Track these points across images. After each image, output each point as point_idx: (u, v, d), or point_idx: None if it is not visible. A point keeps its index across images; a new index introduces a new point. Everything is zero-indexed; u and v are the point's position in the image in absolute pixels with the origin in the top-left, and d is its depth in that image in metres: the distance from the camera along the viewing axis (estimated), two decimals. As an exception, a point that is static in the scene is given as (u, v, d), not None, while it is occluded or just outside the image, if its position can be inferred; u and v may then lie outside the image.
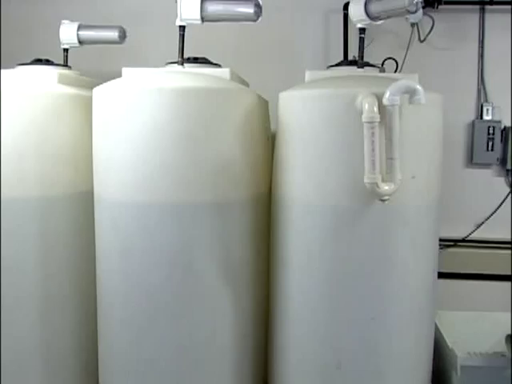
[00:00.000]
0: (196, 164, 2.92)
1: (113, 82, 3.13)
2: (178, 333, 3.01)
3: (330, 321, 2.93)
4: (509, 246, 4.37)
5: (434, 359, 3.63)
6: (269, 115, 3.42)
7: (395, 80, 2.76)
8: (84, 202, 3.26)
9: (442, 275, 4.17)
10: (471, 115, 4.40)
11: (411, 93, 2.71)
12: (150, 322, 3.02)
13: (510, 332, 3.46)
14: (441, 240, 4.20)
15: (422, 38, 4.25)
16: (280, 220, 3.07)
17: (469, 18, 4.36)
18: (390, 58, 3.68)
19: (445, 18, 4.29)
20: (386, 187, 2.69)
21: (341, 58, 3.96)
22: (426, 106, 2.81)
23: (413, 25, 4.21)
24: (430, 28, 4.22)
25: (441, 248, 4.25)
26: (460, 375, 3.26)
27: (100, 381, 3.28)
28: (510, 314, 3.89)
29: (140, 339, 3.05)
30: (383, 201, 2.71)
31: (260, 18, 3.28)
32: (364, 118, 2.68)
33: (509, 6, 4.27)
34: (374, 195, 2.72)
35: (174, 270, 2.96)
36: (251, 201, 3.13)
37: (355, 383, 2.95)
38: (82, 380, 3.43)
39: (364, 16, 3.17)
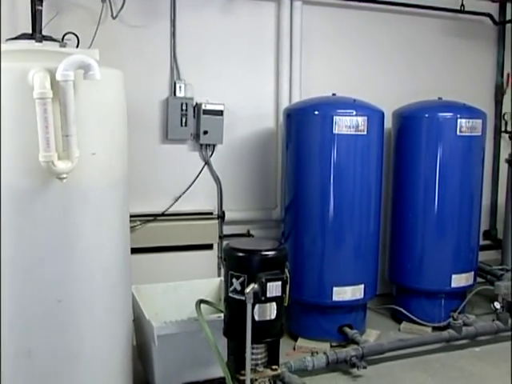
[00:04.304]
0: None
1: None
2: None
3: (16, 308, 2.77)
4: (206, 216, 4.63)
5: (137, 334, 3.72)
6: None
7: (72, 55, 2.68)
8: None
9: (143, 250, 4.29)
10: (165, 92, 4.52)
11: (86, 68, 2.66)
12: None
13: (204, 298, 3.66)
14: (140, 216, 4.34)
15: (114, 15, 4.22)
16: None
17: (160, -4, 4.46)
18: (70, 33, 3.57)
19: (136, -5, 4.33)
20: (62, 165, 2.61)
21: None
22: (105, 82, 2.80)
23: (103, 1, 4.17)
24: (121, 5, 4.20)
25: (140, 223, 4.37)
26: (158, 344, 3.35)
27: None
28: (205, 281, 4.14)
29: None
30: (61, 179, 2.63)
31: None
32: (35, 94, 2.55)
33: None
34: (51, 174, 2.62)
35: None
36: None
37: (47, 368, 2.85)
38: None
39: (39, -14, 3.03)
